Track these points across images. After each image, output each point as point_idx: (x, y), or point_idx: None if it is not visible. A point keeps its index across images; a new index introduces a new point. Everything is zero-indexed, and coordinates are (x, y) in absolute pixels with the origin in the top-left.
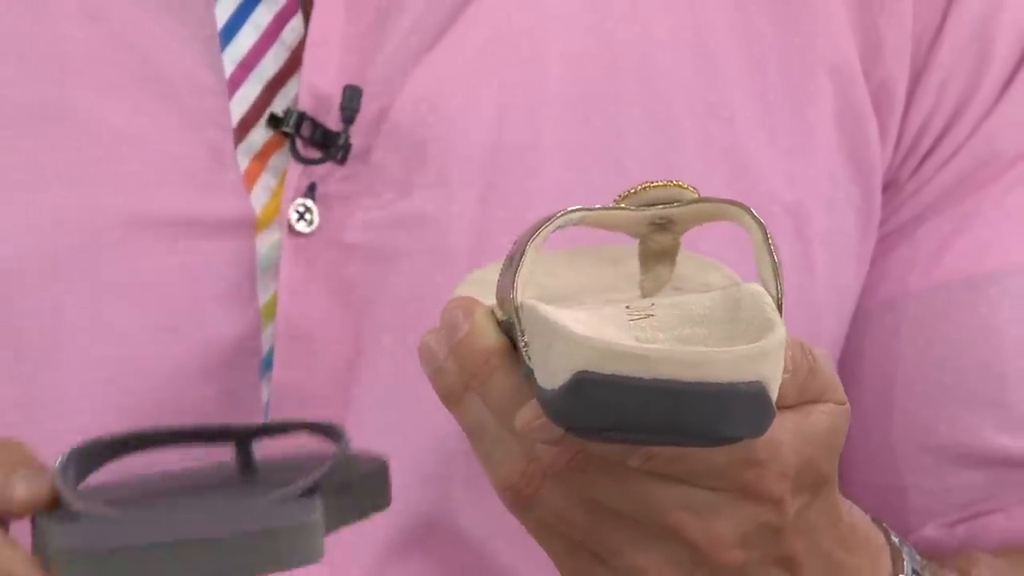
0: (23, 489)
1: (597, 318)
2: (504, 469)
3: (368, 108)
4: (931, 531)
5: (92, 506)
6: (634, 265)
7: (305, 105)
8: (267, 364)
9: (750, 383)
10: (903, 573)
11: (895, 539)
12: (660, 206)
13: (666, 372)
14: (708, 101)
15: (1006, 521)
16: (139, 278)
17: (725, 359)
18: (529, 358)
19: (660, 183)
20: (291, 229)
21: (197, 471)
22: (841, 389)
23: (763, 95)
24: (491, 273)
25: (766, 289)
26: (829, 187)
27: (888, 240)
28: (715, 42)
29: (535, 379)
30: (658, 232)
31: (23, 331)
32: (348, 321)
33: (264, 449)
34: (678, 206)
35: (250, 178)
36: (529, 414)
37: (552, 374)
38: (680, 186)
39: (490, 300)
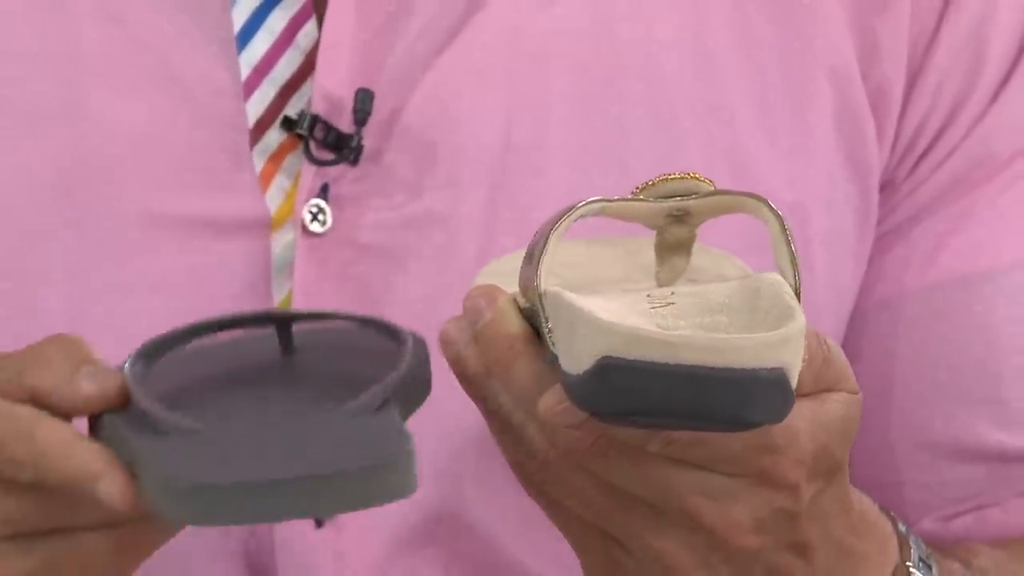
0: (90, 386)
1: (619, 305)
2: (524, 454)
3: (380, 110)
4: (928, 525)
5: (175, 418)
6: (649, 256)
7: (318, 108)
8: None
9: (772, 369)
10: (910, 561)
11: (902, 528)
12: (677, 198)
13: (690, 358)
14: (710, 102)
15: (1002, 515)
16: (156, 277)
17: (748, 346)
18: (553, 344)
19: (678, 175)
20: (305, 229)
21: (236, 348)
22: (853, 378)
23: (763, 96)
24: (507, 264)
25: (784, 278)
26: (828, 187)
27: (885, 239)
28: (716, 44)
29: (559, 364)
30: (675, 224)
31: (41, 329)
32: None
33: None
34: (695, 198)
35: (265, 179)
36: (552, 399)
37: (577, 359)
38: (697, 179)
39: (508, 290)
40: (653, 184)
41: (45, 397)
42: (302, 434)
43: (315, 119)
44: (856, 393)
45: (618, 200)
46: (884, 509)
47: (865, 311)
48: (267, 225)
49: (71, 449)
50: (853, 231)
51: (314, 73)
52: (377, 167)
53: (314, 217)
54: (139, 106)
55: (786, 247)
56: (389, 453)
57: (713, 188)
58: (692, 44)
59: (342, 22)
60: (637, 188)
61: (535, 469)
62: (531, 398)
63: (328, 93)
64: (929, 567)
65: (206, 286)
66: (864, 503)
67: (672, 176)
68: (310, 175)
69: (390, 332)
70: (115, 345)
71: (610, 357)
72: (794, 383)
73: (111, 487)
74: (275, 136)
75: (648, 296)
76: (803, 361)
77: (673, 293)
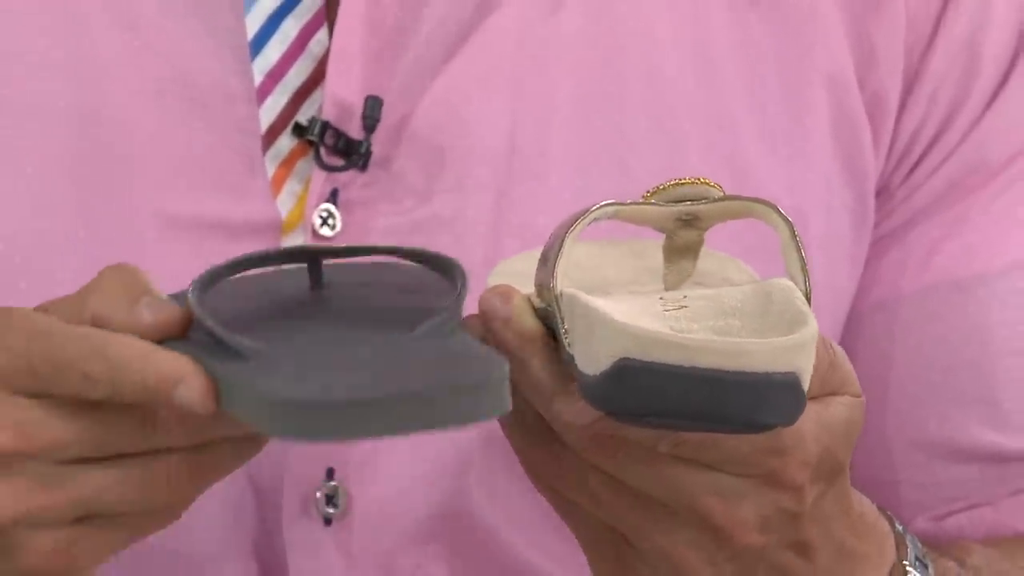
0: (149, 316)
1: (633, 308)
2: (536, 452)
3: (388, 117)
4: (922, 523)
5: (248, 343)
6: (656, 259)
7: (329, 115)
8: None
9: (785, 373)
10: (907, 560)
11: (899, 528)
12: (688, 202)
13: (705, 361)
14: (710, 109)
15: (994, 514)
16: (169, 278)
17: (763, 350)
18: (570, 344)
19: (688, 180)
20: (315, 233)
21: (268, 282)
22: (857, 382)
23: (762, 103)
24: (515, 265)
25: (794, 283)
26: (825, 192)
27: (881, 243)
28: (717, 52)
29: (575, 364)
30: (684, 228)
31: None
32: None
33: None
34: (705, 203)
35: (277, 184)
36: (568, 398)
37: (594, 360)
38: (707, 184)
39: (521, 290)
40: (664, 188)
41: (106, 326)
42: (386, 355)
43: (325, 125)
44: (859, 396)
45: (630, 204)
46: (882, 509)
47: (861, 313)
48: (278, 229)
49: (148, 358)
50: (850, 235)
51: (325, 80)
52: (386, 172)
53: (324, 221)
54: (153, 111)
55: (796, 253)
56: (485, 371)
57: (723, 193)
58: (693, 52)
59: (352, 30)
60: (648, 192)
61: (547, 467)
62: (546, 397)
63: (338, 100)
64: (925, 566)
65: None
66: (864, 504)
67: (683, 181)
68: (320, 180)
69: (438, 261)
70: None
71: (628, 358)
72: (807, 387)
73: (191, 391)
74: (287, 142)
75: (661, 299)
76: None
77: (685, 296)
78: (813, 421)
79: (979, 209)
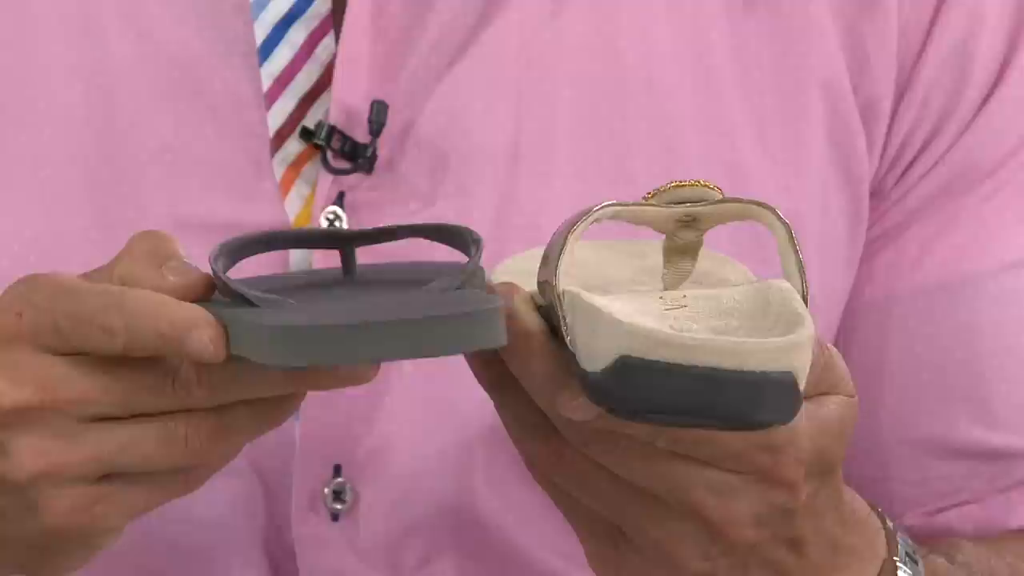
0: (175, 279)
1: (634, 306)
2: (536, 446)
3: (394, 121)
4: (912, 519)
5: (266, 295)
6: (657, 259)
7: (335, 119)
8: None
9: (783, 373)
10: (897, 556)
11: (890, 524)
12: (688, 204)
13: (704, 360)
14: (708, 115)
15: (981, 510)
16: None
17: (761, 350)
18: (571, 342)
19: (688, 182)
20: None
21: (302, 275)
22: (851, 382)
23: (759, 109)
24: (521, 263)
25: (791, 284)
26: (821, 196)
27: (874, 244)
28: (715, 60)
29: (576, 362)
30: (683, 229)
31: None
32: None
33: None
34: (705, 205)
35: (285, 186)
36: (569, 394)
37: (595, 358)
38: (707, 186)
39: (523, 288)
40: (664, 190)
41: (133, 287)
42: (395, 301)
43: (332, 129)
44: (853, 396)
45: (631, 205)
46: (873, 506)
47: (855, 312)
48: None
49: (162, 308)
50: (845, 237)
51: (332, 85)
52: (391, 175)
53: (331, 223)
54: (166, 116)
55: (793, 255)
56: (476, 305)
57: (722, 195)
58: (692, 60)
59: (359, 36)
60: (649, 194)
61: (546, 460)
62: (547, 392)
63: (345, 105)
64: (915, 562)
65: None
66: (856, 500)
67: (683, 183)
68: (327, 183)
69: (452, 233)
70: None
71: (629, 356)
72: (803, 386)
73: (202, 336)
74: (294, 145)
75: (661, 298)
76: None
77: (685, 296)
78: (807, 420)
79: (970, 211)
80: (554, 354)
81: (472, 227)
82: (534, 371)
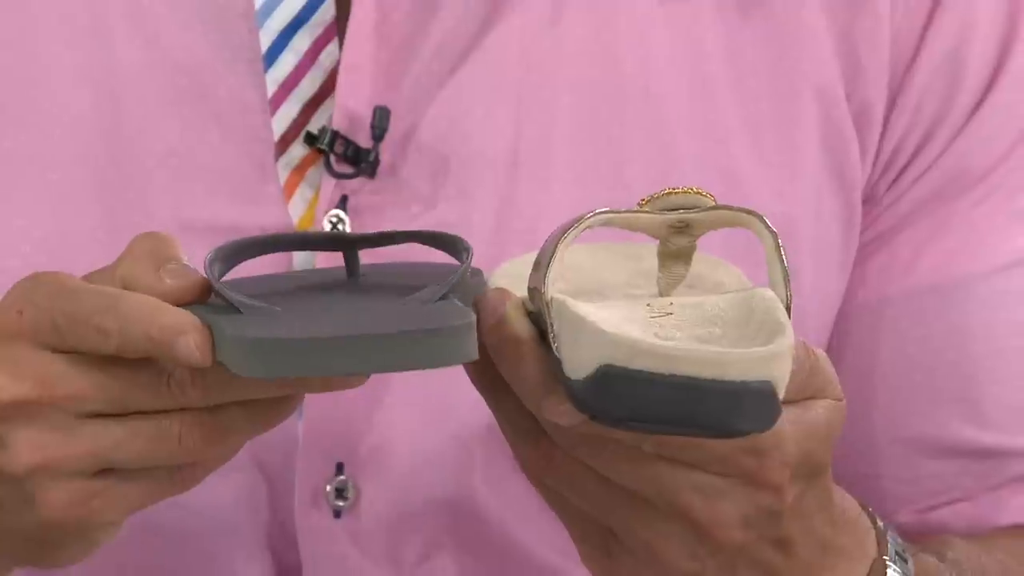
0: (172, 281)
1: (621, 314)
2: (528, 448)
3: (396, 126)
4: (904, 517)
5: (253, 302)
6: (653, 263)
7: (339, 124)
8: None
9: (761, 382)
10: (887, 555)
11: (880, 524)
12: (680, 211)
13: (685, 369)
14: (704, 122)
15: (972, 508)
16: None
17: (740, 359)
18: (557, 349)
19: (681, 190)
20: None
21: (305, 275)
22: (839, 386)
23: (754, 116)
24: (519, 267)
25: (776, 293)
26: (815, 201)
27: (867, 248)
28: (711, 68)
29: (562, 369)
30: (677, 234)
31: None
32: None
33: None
34: (697, 212)
35: (289, 190)
36: (555, 400)
37: (579, 365)
38: (700, 193)
39: (520, 292)
40: (657, 197)
41: (133, 289)
42: (372, 313)
43: (335, 134)
44: (841, 400)
45: (624, 212)
46: (864, 505)
47: (848, 314)
48: None
49: (154, 313)
50: (839, 241)
51: (335, 91)
52: (393, 179)
53: (334, 226)
54: (172, 121)
55: (779, 263)
56: (448, 321)
57: (714, 202)
58: (688, 66)
59: (362, 43)
60: (642, 201)
61: (538, 462)
62: (535, 397)
63: (348, 111)
64: (905, 560)
65: None
66: (845, 500)
67: (676, 190)
68: (330, 187)
69: (446, 241)
70: None
71: (611, 365)
72: (782, 395)
73: (189, 343)
74: (298, 150)
75: (648, 305)
76: (790, 373)
77: (672, 304)
78: (793, 423)
79: (961, 215)
80: (542, 360)
81: (472, 230)
82: (523, 376)
